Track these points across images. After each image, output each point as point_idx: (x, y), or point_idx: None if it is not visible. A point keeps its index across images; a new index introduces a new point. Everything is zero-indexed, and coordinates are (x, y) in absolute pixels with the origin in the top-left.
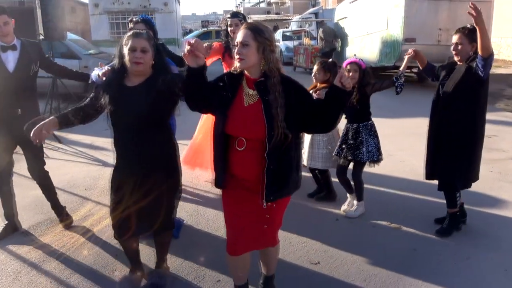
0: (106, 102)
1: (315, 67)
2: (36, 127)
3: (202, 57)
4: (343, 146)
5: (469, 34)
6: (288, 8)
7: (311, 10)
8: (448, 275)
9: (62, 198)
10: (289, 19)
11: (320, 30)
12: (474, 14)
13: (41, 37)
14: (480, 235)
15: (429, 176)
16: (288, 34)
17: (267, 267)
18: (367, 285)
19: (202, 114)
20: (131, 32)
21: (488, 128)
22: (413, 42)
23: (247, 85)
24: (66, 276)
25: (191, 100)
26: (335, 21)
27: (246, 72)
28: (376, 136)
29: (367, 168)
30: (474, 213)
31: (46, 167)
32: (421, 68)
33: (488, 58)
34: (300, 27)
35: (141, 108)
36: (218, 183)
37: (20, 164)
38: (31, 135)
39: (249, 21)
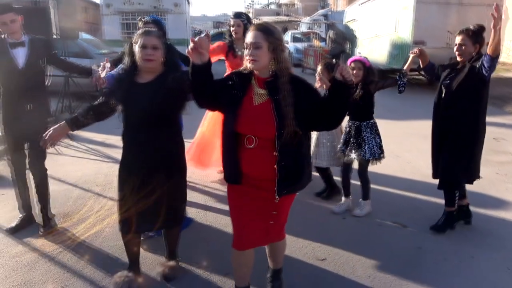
0: (117, 99)
1: (319, 68)
2: (46, 133)
3: (206, 54)
4: (346, 143)
5: (472, 35)
6: (297, 9)
7: (320, 12)
8: (452, 273)
9: (75, 193)
10: (299, 21)
11: (331, 32)
12: (496, 16)
13: (56, 36)
14: (484, 235)
15: (436, 175)
16: (297, 35)
17: (274, 261)
18: (372, 281)
19: (206, 112)
20: (141, 30)
21: (496, 131)
22: (422, 45)
23: (257, 84)
24: (79, 268)
25: (198, 97)
26: (345, 23)
27: (256, 71)
28: (378, 135)
29: (374, 169)
30: (479, 213)
31: (60, 164)
32: (422, 66)
33: (496, 58)
34: (310, 29)
35: (151, 105)
36: (231, 179)
37: None
38: (41, 142)
39: (257, 22)
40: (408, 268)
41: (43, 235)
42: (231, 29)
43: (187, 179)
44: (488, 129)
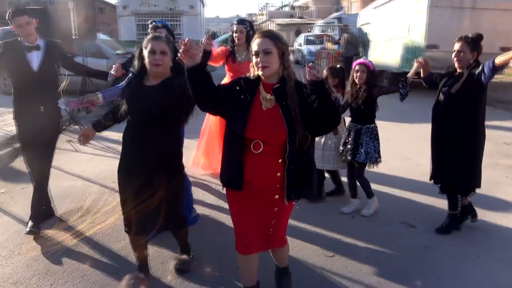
0: (123, 99)
1: (324, 73)
2: (79, 135)
3: (197, 54)
4: (345, 145)
5: (471, 42)
6: (311, 12)
7: (334, 14)
8: (458, 271)
9: (92, 189)
10: (312, 23)
11: (346, 35)
12: None
13: (74, 36)
14: (491, 236)
15: (434, 177)
16: (311, 38)
17: (279, 262)
18: (379, 278)
19: (207, 116)
20: (151, 35)
21: (508, 136)
22: (435, 49)
23: (264, 90)
24: (97, 259)
25: (198, 99)
26: (358, 26)
27: (263, 77)
28: (377, 139)
29: (384, 170)
30: (487, 215)
31: (77, 161)
32: (422, 75)
33: (499, 69)
34: (323, 31)
35: (151, 105)
36: (232, 184)
37: (55, 156)
38: (78, 141)
39: (271, 24)
40: (415, 267)
41: (29, 233)
42: (234, 35)
43: (200, 176)
44: (500, 133)
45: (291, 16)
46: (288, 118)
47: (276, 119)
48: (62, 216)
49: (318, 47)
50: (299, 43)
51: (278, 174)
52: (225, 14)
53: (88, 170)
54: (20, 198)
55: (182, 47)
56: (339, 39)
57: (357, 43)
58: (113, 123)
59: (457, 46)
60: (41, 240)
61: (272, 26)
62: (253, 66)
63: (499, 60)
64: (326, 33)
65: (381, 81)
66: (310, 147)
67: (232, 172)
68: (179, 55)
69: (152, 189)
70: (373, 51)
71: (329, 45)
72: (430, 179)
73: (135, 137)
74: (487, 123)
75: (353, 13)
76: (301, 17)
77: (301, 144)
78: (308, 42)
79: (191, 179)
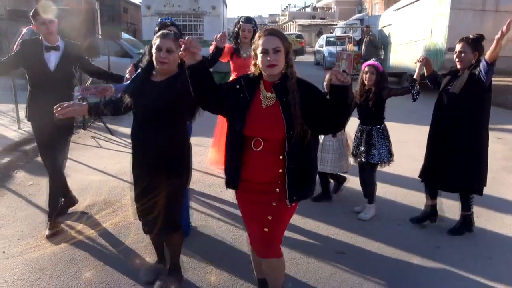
0: (128, 92)
1: (327, 76)
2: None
3: (197, 53)
4: (358, 147)
5: (472, 43)
6: (333, 13)
7: (356, 16)
8: (468, 272)
9: (114, 184)
10: (334, 25)
11: (369, 36)
12: (505, 32)
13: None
14: (504, 239)
15: (425, 176)
16: (331, 39)
17: (271, 280)
18: (389, 276)
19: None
20: (160, 33)
21: None
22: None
23: (264, 88)
24: (117, 250)
25: (200, 98)
26: (380, 28)
27: (264, 75)
28: (388, 139)
29: (397, 171)
30: (500, 218)
31: (100, 157)
32: (426, 74)
33: (492, 65)
34: (345, 33)
35: (153, 101)
36: (230, 184)
37: (79, 152)
38: (55, 108)
39: (293, 25)
40: (425, 267)
41: (50, 234)
42: (242, 33)
43: (214, 173)
44: None
45: (313, 17)
46: (287, 114)
47: (275, 115)
48: (85, 209)
49: (339, 48)
50: (320, 44)
51: (280, 170)
52: (246, 14)
53: (111, 166)
54: (47, 190)
55: (183, 45)
56: (360, 40)
57: (379, 45)
58: (111, 113)
59: (458, 47)
60: (65, 230)
61: (294, 27)
62: (254, 64)
63: (488, 56)
64: (348, 34)
65: (403, 84)
66: (312, 146)
67: (230, 171)
68: (179, 53)
69: (154, 187)
70: (393, 53)
71: (349, 47)
72: (420, 177)
73: (138, 133)
74: (504, 126)
75: (375, 14)
76: (323, 18)
77: (301, 142)
78: (328, 43)
79: (206, 176)
